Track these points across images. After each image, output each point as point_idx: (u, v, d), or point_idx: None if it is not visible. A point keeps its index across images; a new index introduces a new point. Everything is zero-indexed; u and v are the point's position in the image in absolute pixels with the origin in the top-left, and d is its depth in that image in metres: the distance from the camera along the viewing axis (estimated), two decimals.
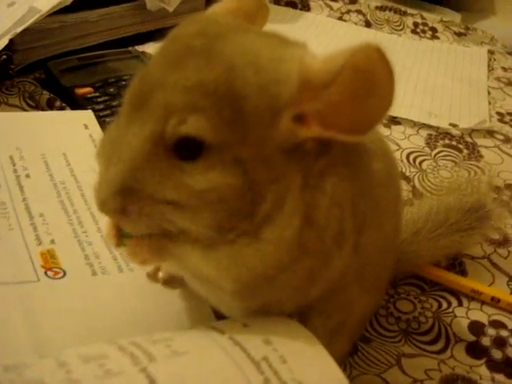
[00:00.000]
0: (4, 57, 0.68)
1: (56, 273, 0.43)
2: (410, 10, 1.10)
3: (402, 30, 1.06)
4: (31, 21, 0.67)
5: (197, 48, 0.31)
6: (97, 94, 0.68)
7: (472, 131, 0.78)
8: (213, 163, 0.31)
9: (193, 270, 0.36)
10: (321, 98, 0.31)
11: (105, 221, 0.36)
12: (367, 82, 0.30)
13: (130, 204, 0.31)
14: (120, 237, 0.35)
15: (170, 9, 0.85)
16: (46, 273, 0.43)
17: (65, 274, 0.43)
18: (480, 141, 0.76)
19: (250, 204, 0.32)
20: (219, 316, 0.42)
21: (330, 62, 0.30)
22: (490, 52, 1.02)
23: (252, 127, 0.31)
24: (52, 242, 0.46)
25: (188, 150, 0.31)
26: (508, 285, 0.55)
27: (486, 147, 0.75)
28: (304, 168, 0.33)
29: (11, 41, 0.66)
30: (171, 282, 0.44)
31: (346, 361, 0.45)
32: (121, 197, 0.31)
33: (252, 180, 0.31)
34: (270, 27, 0.38)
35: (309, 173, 0.33)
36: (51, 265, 0.44)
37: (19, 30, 0.66)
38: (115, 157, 0.31)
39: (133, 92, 0.32)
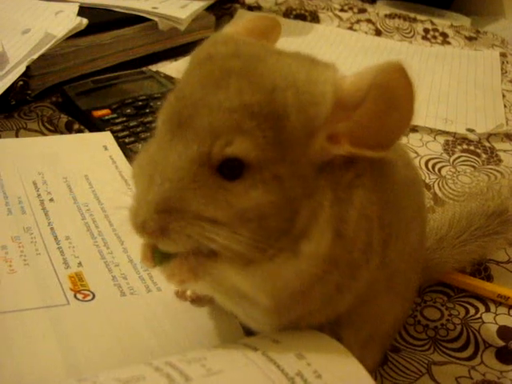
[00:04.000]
0: (21, 83, 0.70)
1: (85, 295, 0.44)
2: (419, 17, 1.10)
3: (412, 36, 1.06)
4: (47, 47, 0.68)
5: (236, 69, 0.32)
6: (114, 116, 0.69)
7: (489, 135, 0.78)
8: (255, 182, 0.31)
9: (228, 287, 0.36)
10: (352, 118, 0.32)
11: (135, 243, 0.36)
12: (391, 99, 0.32)
13: (171, 222, 0.32)
14: (154, 258, 0.35)
15: (182, 27, 0.86)
16: (75, 296, 0.43)
17: (94, 296, 0.44)
18: (498, 145, 0.76)
19: (287, 221, 0.32)
20: (248, 332, 0.42)
21: (358, 83, 0.32)
22: (502, 55, 1.02)
23: (290, 146, 0.32)
24: (79, 264, 0.46)
25: (232, 169, 0.31)
26: None
27: (504, 151, 0.75)
28: (333, 182, 0.34)
29: (27, 67, 0.67)
30: (199, 299, 0.44)
31: (376, 371, 0.44)
32: (162, 216, 0.31)
33: (289, 196, 0.32)
34: (281, 41, 0.39)
35: (338, 186, 0.34)
36: (80, 287, 0.44)
37: (35, 56, 0.67)
38: (158, 177, 0.32)
39: (172, 112, 0.33)
